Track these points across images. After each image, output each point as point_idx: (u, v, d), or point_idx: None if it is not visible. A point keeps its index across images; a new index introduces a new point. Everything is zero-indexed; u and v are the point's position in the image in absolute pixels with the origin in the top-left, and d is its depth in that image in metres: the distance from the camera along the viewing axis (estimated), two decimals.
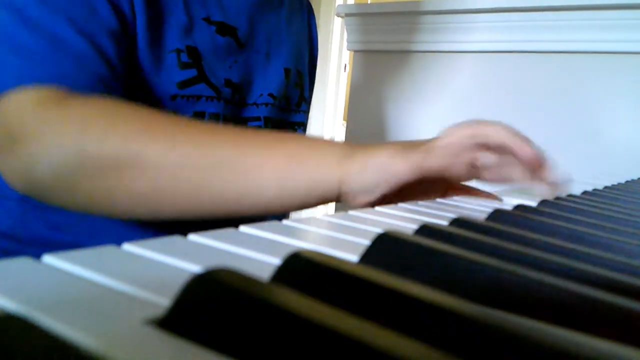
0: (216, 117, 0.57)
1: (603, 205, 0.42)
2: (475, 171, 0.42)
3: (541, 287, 0.15)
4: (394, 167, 0.39)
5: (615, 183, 0.66)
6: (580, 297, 0.15)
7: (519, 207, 0.34)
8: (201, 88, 0.56)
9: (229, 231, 0.22)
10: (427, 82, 1.24)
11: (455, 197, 0.43)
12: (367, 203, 0.41)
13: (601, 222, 0.32)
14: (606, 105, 1.01)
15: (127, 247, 0.18)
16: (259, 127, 0.63)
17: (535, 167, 0.41)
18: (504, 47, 1.11)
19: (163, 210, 0.42)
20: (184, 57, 0.54)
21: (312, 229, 0.25)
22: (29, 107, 0.42)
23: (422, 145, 0.41)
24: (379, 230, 0.21)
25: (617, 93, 1.00)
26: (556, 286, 0.15)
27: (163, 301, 0.13)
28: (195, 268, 0.17)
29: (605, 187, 0.59)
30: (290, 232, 0.23)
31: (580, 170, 0.90)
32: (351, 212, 0.30)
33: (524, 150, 0.40)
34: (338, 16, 1.39)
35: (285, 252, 0.15)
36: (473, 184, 0.46)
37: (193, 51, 0.55)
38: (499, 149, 0.41)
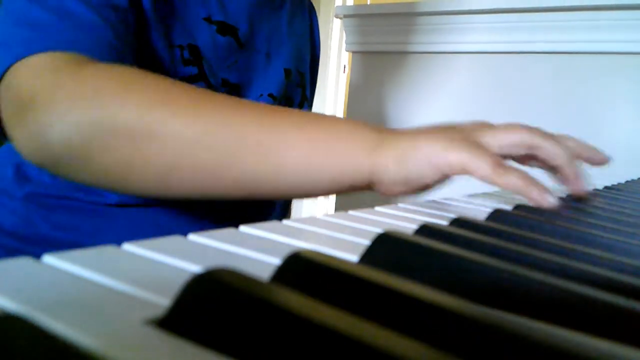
0: None
1: (603, 205, 0.42)
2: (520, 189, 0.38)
3: (541, 287, 0.15)
4: (443, 160, 0.36)
5: (615, 183, 0.66)
6: (580, 297, 0.15)
7: (519, 207, 0.34)
8: (201, 87, 0.56)
9: (229, 231, 0.22)
10: (426, 82, 1.24)
11: (456, 197, 0.43)
12: (403, 193, 0.38)
13: (601, 222, 0.32)
14: (606, 106, 1.01)
15: (127, 247, 0.18)
16: None
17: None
18: (502, 48, 1.11)
19: (181, 187, 0.40)
20: (186, 54, 0.54)
21: (312, 229, 0.25)
22: (42, 72, 0.40)
23: (468, 139, 0.37)
24: (379, 230, 0.21)
25: (616, 93, 1.00)
26: (556, 286, 0.15)
27: (163, 301, 0.13)
28: (195, 268, 0.17)
29: (605, 187, 0.59)
30: (290, 232, 0.23)
31: None
32: (351, 212, 0.30)
33: (576, 185, 0.40)
34: (337, 17, 1.39)
35: (285, 252, 0.15)
36: None
37: (194, 50, 0.55)
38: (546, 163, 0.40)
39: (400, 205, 0.35)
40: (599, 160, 0.44)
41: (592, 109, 1.02)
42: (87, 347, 0.10)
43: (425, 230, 0.22)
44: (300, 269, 0.15)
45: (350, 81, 1.40)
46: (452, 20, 1.17)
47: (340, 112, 2.22)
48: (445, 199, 0.41)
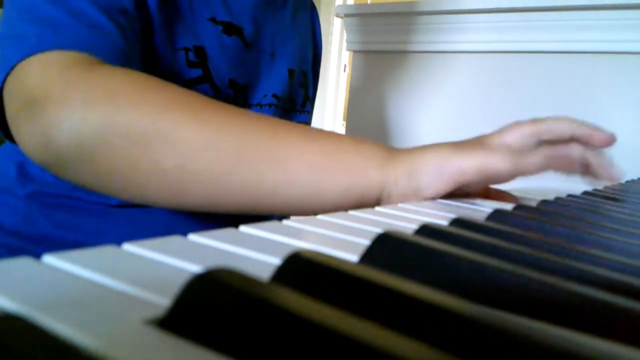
0: None
1: (603, 205, 0.42)
2: (546, 164, 0.38)
3: (541, 287, 0.15)
4: (455, 168, 0.36)
5: (615, 183, 0.66)
6: (580, 297, 0.15)
7: (519, 207, 0.34)
8: (205, 88, 0.56)
9: (229, 231, 0.22)
10: (427, 82, 1.24)
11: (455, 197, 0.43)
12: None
13: (601, 222, 0.32)
14: (606, 106, 1.01)
15: (127, 247, 0.18)
16: None
17: (609, 146, 0.40)
18: (503, 48, 1.11)
19: (186, 194, 0.39)
20: (191, 56, 0.54)
21: (312, 229, 0.25)
22: (54, 70, 0.40)
23: (478, 144, 0.37)
24: (379, 230, 0.21)
25: (617, 93, 1.00)
26: (556, 286, 0.15)
27: (163, 301, 0.13)
28: (195, 268, 0.17)
29: (605, 187, 0.59)
30: (290, 232, 0.23)
31: None
32: (351, 212, 0.30)
33: (598, 138, 0.38)
34: (337, 17, 1.39)
35: (285, 252, 0.15)
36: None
37: (200, 51, 0.55)
38: (564, 141, 0.39)
39: (400, 205, 0.35)
40: (604, 139, 0.40)
41: (593, 108, 1.02)
42: (87, 347, 0.10)
43: (425, 230, 0.22)
44: (300, 269, 0.15)
45: (351, 80, 1.40)
46: (453, 19, 1.17)
47: (340, 112, 2.22)
48: (446, 199, 0.41)
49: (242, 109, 0.41)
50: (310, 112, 0.74)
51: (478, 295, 0.16)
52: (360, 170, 0.38)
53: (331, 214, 0.28)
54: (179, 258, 0.17)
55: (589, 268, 0.19)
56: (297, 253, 0.15)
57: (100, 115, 0.37)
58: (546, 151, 0.36)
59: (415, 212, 0.32)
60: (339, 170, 0.38)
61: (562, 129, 0.39)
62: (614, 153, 0.41)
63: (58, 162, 0.40)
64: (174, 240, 0.20)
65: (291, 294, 0.12)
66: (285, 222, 0.25)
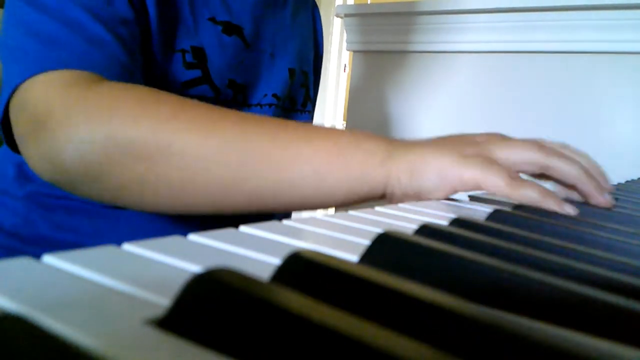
0: None
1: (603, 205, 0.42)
2: (539, 202, 0.37)
3: (541, 287, 0.15)
4: (456, 176, 0.36)
5: (615, 183, 0.66)
6: (580, 297, 0.15)
7: (519, 207, 0.34)
8: (204, 89, 0.56)
9: (229, 231, 0.22)
10: (427, 82, 1.24)
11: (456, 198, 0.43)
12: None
13: (601, 222, 0.32)
14: (606, 106, 1.01)
15: (127, 247, 0.18)
16: None
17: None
18: (503, 48, 1.11)
19: (195, 203, 0.40)
20: (189, 58, 0.54)
21: (312, 229, 0.25)
22: (56, 91, 0.40)
23: (481, 154, 0.37)
24: (379, 230, 0.21)
25: (616, 93, 1.00)
26: (556, 286, 0.15)
27: (163, 301, 0.13)
28: (195, 268, 0.17)
29: None
30: (290, 232, 0.23)
31: None
32: (351, 212, 0.30)
33: (597, 201, 0.39)
34: (337, 17, 1.39)
35: (285, 252, 0.15)
36: None
37: (198, 52, 0.55)
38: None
39: (401, 205, 0.35)
40: (602, 203, 0.40)
41: (592, 108, 1.02)
42: (87, 347, 0.10)
43: (425, 230, 0.22)
44: (300, 269, 0.15)
45: (351, 80, 1.40)
46: (453, 19, 1.17)
47: (340, 112, 2.22)
48: (445, 199, 0.41)
49: (242, 113, 0.42)
50: (312, 112, 0.74)
51: (478, 295, 0.16)
52: (365, 167, 0.38)
53: (331, 214, 0.28)
54: (179, 258, 0.17)
55: (589, 268, 0.19)
56: (297, 253, 0.15)
57: (102, 135, 0.38)
58: (545, 191, 0.36)
59: (415, 212, 0.32)
60: (341, 170, 0.38)
61: (569, 176, 0.39)
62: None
63: (68, 182, 0.41)
64: (174, 240, 0.20)
65: (291, 294, 0.12)
66: (285, 222, 0.25)
